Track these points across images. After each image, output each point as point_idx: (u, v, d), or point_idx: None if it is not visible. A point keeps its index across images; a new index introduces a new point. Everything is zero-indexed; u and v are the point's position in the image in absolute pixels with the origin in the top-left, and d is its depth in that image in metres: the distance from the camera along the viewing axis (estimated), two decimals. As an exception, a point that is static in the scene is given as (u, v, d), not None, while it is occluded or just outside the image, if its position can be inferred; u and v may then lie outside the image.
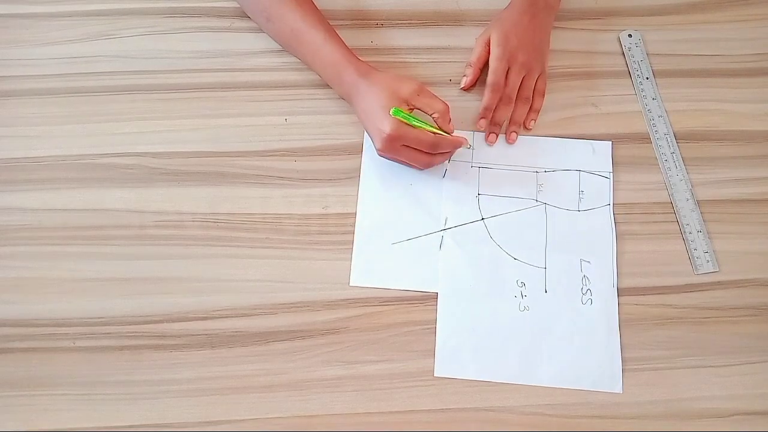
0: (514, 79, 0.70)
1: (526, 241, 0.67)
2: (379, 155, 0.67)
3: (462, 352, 0.62)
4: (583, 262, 0.66)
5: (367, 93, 0.66)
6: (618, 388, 0.62)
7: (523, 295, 0.65)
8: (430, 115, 0.65)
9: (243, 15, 0.77)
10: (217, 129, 0.72)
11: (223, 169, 0.70)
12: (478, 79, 0.74)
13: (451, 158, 0.70)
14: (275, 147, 0.71)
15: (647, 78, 0.75)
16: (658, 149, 0.71)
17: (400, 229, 0.67)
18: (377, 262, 0.66)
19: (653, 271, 0.66)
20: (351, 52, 0.69)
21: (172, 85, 0.74)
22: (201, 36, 0.76)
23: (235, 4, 0.77)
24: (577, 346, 0.63)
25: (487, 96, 0.71)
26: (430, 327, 0.64)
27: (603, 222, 0.68)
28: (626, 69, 0.76)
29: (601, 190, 0.70)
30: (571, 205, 0.69)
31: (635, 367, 0.62)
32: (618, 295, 0.65)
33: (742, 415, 0.61)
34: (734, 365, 0.63)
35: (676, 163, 0.71)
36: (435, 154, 0.66)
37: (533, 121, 0.72)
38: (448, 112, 0.65)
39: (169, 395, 0.61)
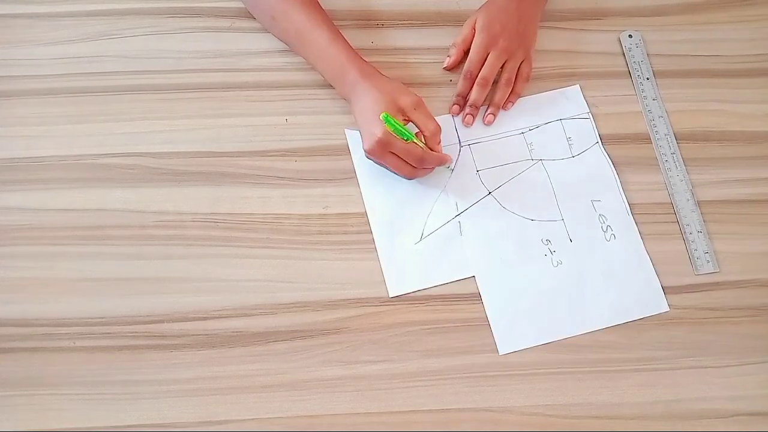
0: (493, 63, 0.71)
1: (537, 200, 0.69)
2: (366, 157, 0.67)
3: (516, 323, 0.64)
4: (594, 203, 0.68)
5: (367, 94, 0.66)
6: (665, 307, 0.64)
7: (552, 251, 0.67)
8: (422, 133, 0.66)
9: (244, 15, 0.77)
10: (218, 129, 0.72)
11: (223, 169, 0.70)
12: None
13: (441, 145, 0.70)
14: (275, 147, 0.71)
15: (647, 78, 0.75)
16: (658, 149, 0.71)
17: (416, 227, 0.68)
18: (408, 267, 0.66)
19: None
20: (355, 53, 0.69)
21: (172, 85, 0.74)
22: (202, 36, 0.76)
23: (236, 4, 0.77)
24: (616, 282, 0.65)
25: (460, 83, 0.73)
26: (429, 327, 0.64)
27: (598, 159, 0.70)
28: (626, 69, 0.76)
29: (587, 131, 0.72)
30: (565, 154, 0.71)
31: (635, 367, 0.62)
32: (635, 220, 0.67)
33: (743, 415, 0.61)
34: (734, 365, 0.62)
35: (677, 163, 0.71)
36: (419, 168, 0.66)
37: (511, 104, 0.73)
38: (440, 133, 0.66)
39: (169, 395, 0.61)
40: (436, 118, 0.67)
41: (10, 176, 0.69)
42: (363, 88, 0.66)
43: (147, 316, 0.64)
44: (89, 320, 0.63)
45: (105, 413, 0.60)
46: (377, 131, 0.63)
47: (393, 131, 0.63)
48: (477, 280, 0.65)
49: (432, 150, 0.66)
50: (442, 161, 0.67)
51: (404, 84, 0.67)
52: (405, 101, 0.65)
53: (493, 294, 0.65)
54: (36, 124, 0.72)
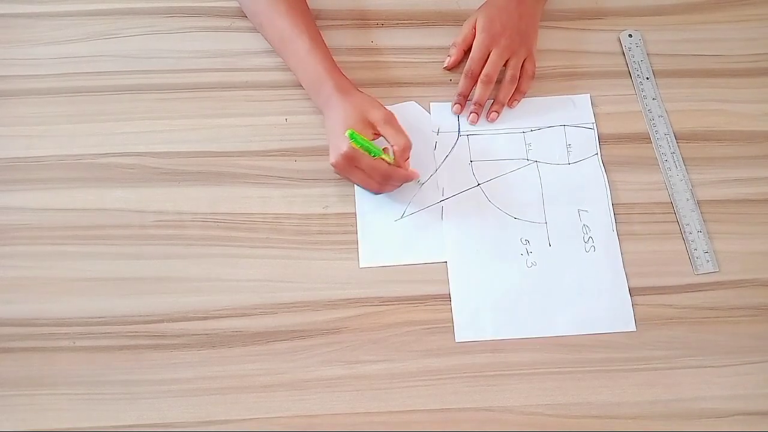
0: (496, 61, 0.71)
1: (524, 199, 0.69)
2: (335, 171, 0.67)
3: (479, 315, 0.64)
4: (581, 212, 0.68)
5: (338, 108, 0.66)
6: (631, 326, 0.63)
7: (529, 252, 0.66)
8: (391, 147, 0.65)
9: (243, 14, 0.77)
10: (217, 129, 0.72)
11: (223, 169, 0.70)
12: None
13: (440, 130, 0.71)
14: (275, 147, 0.71)
15: (647, 78, 0.75)
16: (658, 149, 0.71)
17: (399, 206, 0.68)
18: (383, 241, 0.67)
19: (653, 271, 0.66)
20: (334, 66, 0.69)
21: (172, 85, 0.74)
22: (201, 36, 0.76)
23: (235, 4, 0.77)
24: (587, 293, 0.65)
25: (461, 82, 0.72)
26: (429, 327, 0.64)
27: (594, 171, 0.70)
28: (626, 69, 0.76)
29: (588, 141, 0.72)
30: (561, 159, 0.71)
31: (635, 366, 0.62)
32: (618, 239, 0.67)
33: (743, 415, 0.61)
34: (734, 365, 0.63)
35: (676, 163, 0.71)
36: (385, 184, 0.66)
37: (516, 102, 0.73)
38: (409, 149, 0.66)
39: (169, 395, 0.61)
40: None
41: (10, 176, 0.69)
42: (335, 102, 0.66)
43: (147, 316, 0.64)
44: (89, 320, 0.63)
45: (104, 413, 0.60)
46: (343, 146, 0.63)
47: (360, 147, 0.63)
48: (448, 266, 0.65)
49: (399, 165, 0.65)
50: (408, 178, 0.66)
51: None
52: (375, 115, 0.65)
53: (461, 282, 0.65)
54: (35, 123, 0.72)
